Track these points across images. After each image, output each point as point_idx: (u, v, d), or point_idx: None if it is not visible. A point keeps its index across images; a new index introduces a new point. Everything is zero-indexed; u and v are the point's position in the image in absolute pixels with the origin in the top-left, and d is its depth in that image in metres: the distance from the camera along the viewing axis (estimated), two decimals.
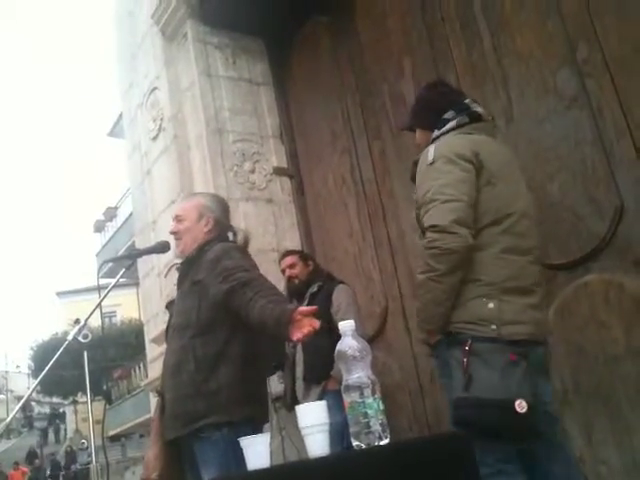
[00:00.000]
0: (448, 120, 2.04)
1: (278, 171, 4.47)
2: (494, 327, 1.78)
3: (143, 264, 4.79)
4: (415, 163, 2.06)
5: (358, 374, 1.46)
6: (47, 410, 34.23)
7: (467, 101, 2.10)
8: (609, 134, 2.51)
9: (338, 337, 1.56)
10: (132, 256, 2.73)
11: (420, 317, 1.98)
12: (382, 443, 1.42)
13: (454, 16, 3.29)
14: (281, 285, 3.31)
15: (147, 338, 4.80)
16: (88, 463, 15.48)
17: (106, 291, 2.36)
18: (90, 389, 2.29)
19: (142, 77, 4.96)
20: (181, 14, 4.50)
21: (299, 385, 3.31)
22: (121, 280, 2.58)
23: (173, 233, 2.41)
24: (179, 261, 2.46)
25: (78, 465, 20.78)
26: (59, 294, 32.58)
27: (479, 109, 2.08)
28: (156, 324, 4.49)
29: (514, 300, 1.83)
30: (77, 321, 2.26)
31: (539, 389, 1.90)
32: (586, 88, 2.60)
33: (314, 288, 3.38)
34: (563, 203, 2.66)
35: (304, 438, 1.51)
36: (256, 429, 2.04)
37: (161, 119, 4.63)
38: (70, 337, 2.15)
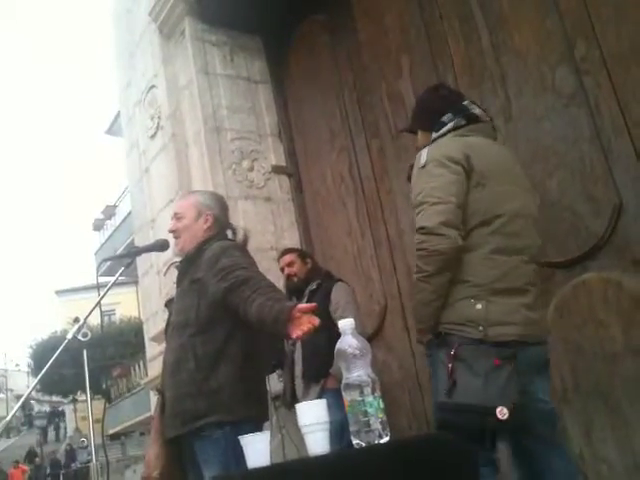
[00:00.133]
0: (446, 123, 2.07)
1: (277, 169, 4.47)
2: (481, 328, 1.80)
3: (142, 262, 4.79)
4: (412, 166, 2.08)
5: (358, 372, 1.46)
6: (47, 409, 34.24)
7: (465, 103, 2.11)
8: (607, 132, 2.51)
9: (337, 335, 1.56)
10: (131, 254, 2.72)
11: (413, 316, 2.03)
12: (382, 441, 1.43)
13: (452, 13, 3.29)
14: (280, 283, 3.31)
15: (146, 336, 4.80)
16: (88, 461, 15.48)
17: (105, 289, 2.36)
18: (90, 388, 2.29)
19: (140, 75, 4.95)
20: (179, 11, 4.49)
21: (298, 384, 3.31)
22: (120, 278, 2.58)
23: (172, 231, 2.41)
24: (178, 259, 2.46)
25: (78, 463, 20.79)
26: (58, 292, 32.57)
27: (477, 111, 2.09)
28: (155, 322, 4.49)
29: (503, 301, 1.84)
30: (76, 319, 2.25)
31: (533, 387, 1.91)
32: (584, 86, 2.60)
33: (313, 286, 3.38)
34: (561, 201, 2.66)
35: (304, 436, 1.51)
36: (256, 428, 2.04)
37: (159, 117, 4.62)
38: (69, 336, 2.15)
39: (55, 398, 29.58)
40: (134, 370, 17.46)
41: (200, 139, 4.28)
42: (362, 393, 1.44)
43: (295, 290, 3.39)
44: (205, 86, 4.39)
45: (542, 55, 2.79)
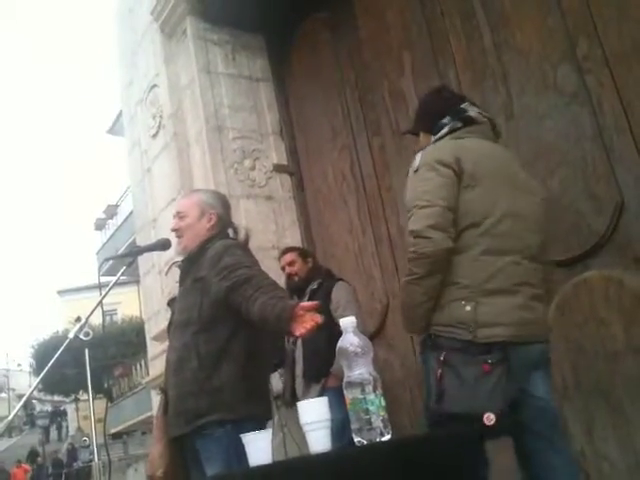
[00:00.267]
0: (444, 125, 2.09)
1: (278, 168, 4.47)
2: (470, 330, 1.81)
3: (144, 262, 4.79)
4: None
5: (360, 370, 1.46)
6: (49, 408, 34.28)
7: (464, 105, 2.12)
8: (609, 130, 2.51)
9: (338, 335, 1.56)
10: (133, 254, 2.72)
11: (403, 319, 2.04)
12: (384, 439, 1.43)
13: (454, 11, 3.29)
14: (281, 282, 3.31)
15: (148, 336, 4.80)
16: (90, 461, 15.51)
17: (107, 289, 2.36)
18: (91, 387, 2.29)
19: (142, 74, 4.95)
20: (181, 10, 4.49)
21: (299, 382, 3.31)
22: (122, 278, 2.58)
23: (175, 230, 2.40)
24: (180, 258, 2.46)
25: (80, 463, 20.81)
26: (60, 292, 32.60)
27: (473, 113, 2.09)
28: (157, 322, 4.49)
29: (493, 302, 1.85)
30: (78, 319, 2.26)
31: (530, 385, 1.91)
32: (586, 84, 2.60)
33: (314, 285, 3.38)
34: (563, 199, 2.66)
35: (306, 435, 1.51)
36: (259, 426, 2.04)
37: (161, 116, 4.62)
38: (71, 335, 2.15)
39: (57, 397, 29.62)
40: (136, 369, 17.49)
41: (202, 138, 4.29)
42: (364, 391, 1.44)
43: (296, 289, 3.39)
44: (207, 85, 4.39)
45: (544, 53, 2.79)
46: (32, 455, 24.44)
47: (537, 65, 2.82)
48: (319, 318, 1.83)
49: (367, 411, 1.43)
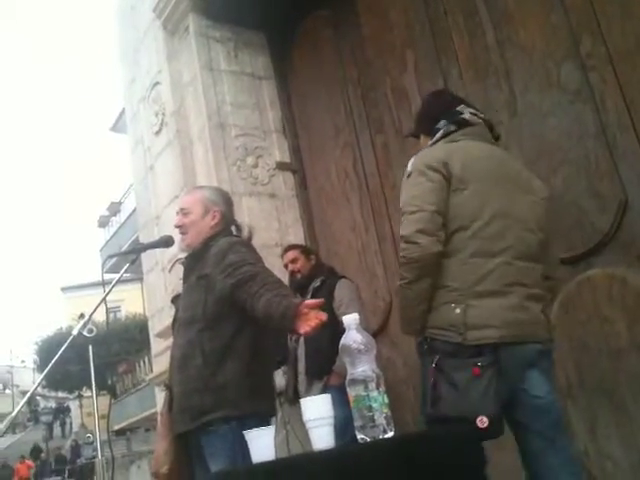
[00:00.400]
0: (440, 129, 2.12)
1: (281, 166, 4.47)
2: (460, 332, 1.84)
3: (147, 259, 4.79)
4: None
5: (363, 368, 1.47)
6: (52, 404, 34.36)
7: (459, 107, 2.14)
8: (612, 128, 2.51)
9: (340, 333, 1.57)
10: (136, 251, 2.72)
11: (400, 320, 2.10)
12: (386, 436, 1.43)
13: (457, 9, 3.28)
14: (284, 280, 3.31)
15: (151, 333, 4.81)
16: (93, 457, 15.53)
17: (110, 286, 2.37)
18: (95, 384, 2.30)
19: (144, 71, 4.95)
20: (183, 8, 4.49)
21: (301, 380, 3.31)
22: (125, 275, 2.58)
23: (178, 227, 2.40)
24: (183, 255, 2.46)
25: (83, 459, 20.86)
26: (64, 289, 32.67)
27: (467, 115, 2.10)
28: (161, 319, 4.50)
29: (483, 304, 1.86)
30: (82, 316, 2.26)
31: (526, 384, 1.91)
32: (590, 82, 2.59)
33: (316, 283, 3.38)
34: (566, 197, 2.65)
35: (309, 431, 1.52)
36: (263, 423, 2.04)
37: (163, 114, 4.63)
38: (75, 332, 2.15)
39: (61, 394, 29.68)
40: (139, 366, 17.52)
41: (204, 135, 4.29)
42: (367, 388, 1.44)
43: (298, 287, 3.38)
44: (209, 82, 4.39)
45: (547, 51, 2.78)
46: (35, 451, 24.51)
47: (540, 62, 2.81)
48: (324, 316, 1.84)
49: (370, 408, 1.43)
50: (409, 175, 2.01)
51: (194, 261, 2.34)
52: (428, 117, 2.19)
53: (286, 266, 3.50)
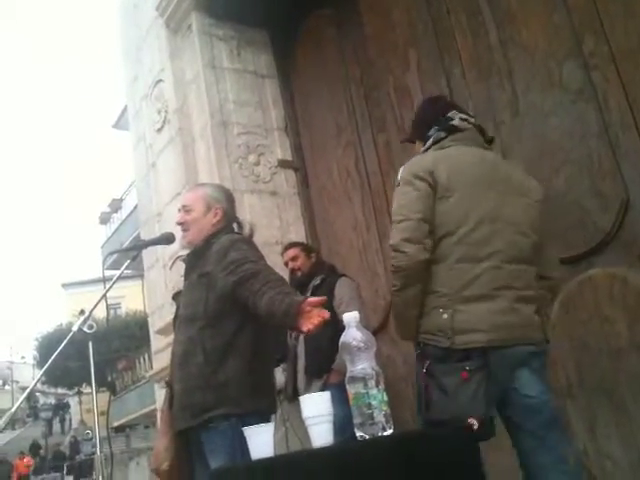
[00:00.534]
0: (430, 136, 2.15)
1: (283, 164, 4.47)
2: (448, 337, 1.88)
3: (148, 256, 4.80)
4: None
5: (362, 365, 1.47)
6: (52, 401, 34.43)
7: (450, 113, 2.16)
8: (615, 127, 2.50)
9: (340, 331, 1.57)
10: (137, 247, 2.73)
11: (394, 325, 2.18)
12: (385, 434, 1.43)
13: (460, 8, 3.28)
14: (285, 277, 3.31)
15: (152, 330, 4.81)
16: (92, 454, 15.57)
17: (111, 282, 2.37)
18: (95, 380, 2.30)
19: (147, 69, 4.96)
20: (186, 6, 4.49)
21: (301, 378, 3.31)
22: (126, 272, 2.58)
23: (180, 224, 2.40)
24: (184, 253, 2.46)
25: (83, 455, 20.91)
26: (64, 286, 32.72)
27: (456, 121, 2.12)
28: (161, 316, 4.50)
29: (471, 309, 1.89)
30: (82, 312, 2.26)
31: (517, 384, 1.93)
32: (592, 81, 2.59)
33: (317, 281, 3.37)
34: (568, 196, 2.65)
35: (308, 428, 1.52)
36: (264, 420, 2.05)
37: (166, 111, 4.63)
38: (75, 328, 2.15)
39: (60, 390, 29.74)
40: (139, 363, 17.53)
41: (207, 133, 4.29)
42: (366, 386, 1.44)
43: (299, 285, 3.37)
44: (212, 80, 4.39)
45: (550, 50, 2.78)
46: (34, 448, 24.56)
47: (543, 62, 2.81)
48: (326, 314, 1.84)
49: (369, 406, 1.44)
50: (398, 184, 2.06)
51: (196, 258, 2.34)
52: (422, 123, 2.23)
53: (286, 264, 3.49)
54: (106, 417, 2.42)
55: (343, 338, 1.52)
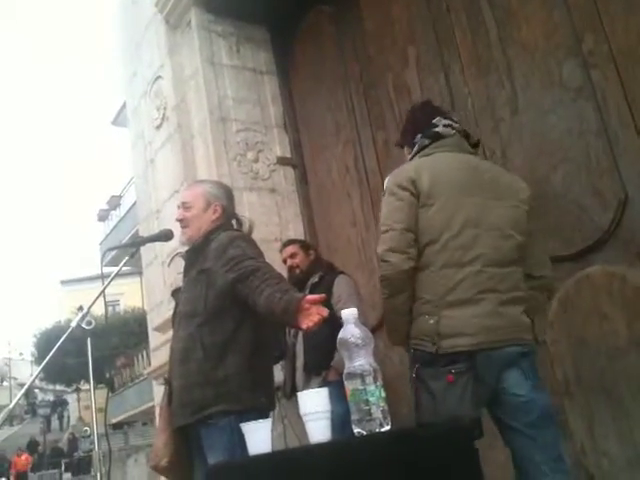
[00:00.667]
0: (415, 143, 2.18)
1: (282, 161, 4.47)
2: (434, 342, 1.91)
3: (146, 253, 4.79)
4: None
5: (360, 361, 1.47)
6: (50, 397, 34.42)
7: (435, 120, 2.18)
8: (614, 125, 2.50)
9: (339, 328, 1.57)
10: (135, 244, 2.72)
11: (386, 331, 2.22)
12: (383, 430, 1.43)
13: (459, 6, 3.27)
14: (284, 274, 3.31)
15: (150, 326, 4.81)
16: (90, 450, 15.55)
17: (109, 279, 2.37)
18: (93, 377, 2.30)
19: (146, 66, 4.94)
20: (185, 2, 4.48)
21: (299, 376, 3.31)
22: (124, 269, 2.58)
23: (180, 220, 2.40)
24: (183, 249, 2.46)
25: (81, 452, 20.92)
26: (63, 282, 32.74)
27: (440, 128, 2.14)
28: (160, 312, 4.50)
29: (455, 314, 1.92)
30: (80, 308, 2.26)
31: (505, 383, 1.95)
32: (591, 79, 2.59)
33: (315, 278, 3.37)
34: (567, 195, 2.65)
35: (305, 425, 1.52)
36: (263, 417, 2.04)
37: (165, 108, 4.62)
38: (74, 324, 2.15)
39: (59, 387, 29.77)
40: (137, 360, 17.55)
41: (205, 130, 4.28)
42: (364, 382, 1.45)
43: (297, 282, 3.36)
44: (211, 77, 4.38)
45: (549, 48, 2.78)
46: (32, 444, 24.55)
47: (542, 60, 2.81)
48: (325, 311, 1.85)
49: (367, 402, 1.44)
50: (384, 194, 2.10)
51: (195, 255, 2.34)
52: (410, 130, 2.26)
53: (285, 261, 3.49)
54: (104, 414, 2.42)
55: (341, 334, 1.52)
